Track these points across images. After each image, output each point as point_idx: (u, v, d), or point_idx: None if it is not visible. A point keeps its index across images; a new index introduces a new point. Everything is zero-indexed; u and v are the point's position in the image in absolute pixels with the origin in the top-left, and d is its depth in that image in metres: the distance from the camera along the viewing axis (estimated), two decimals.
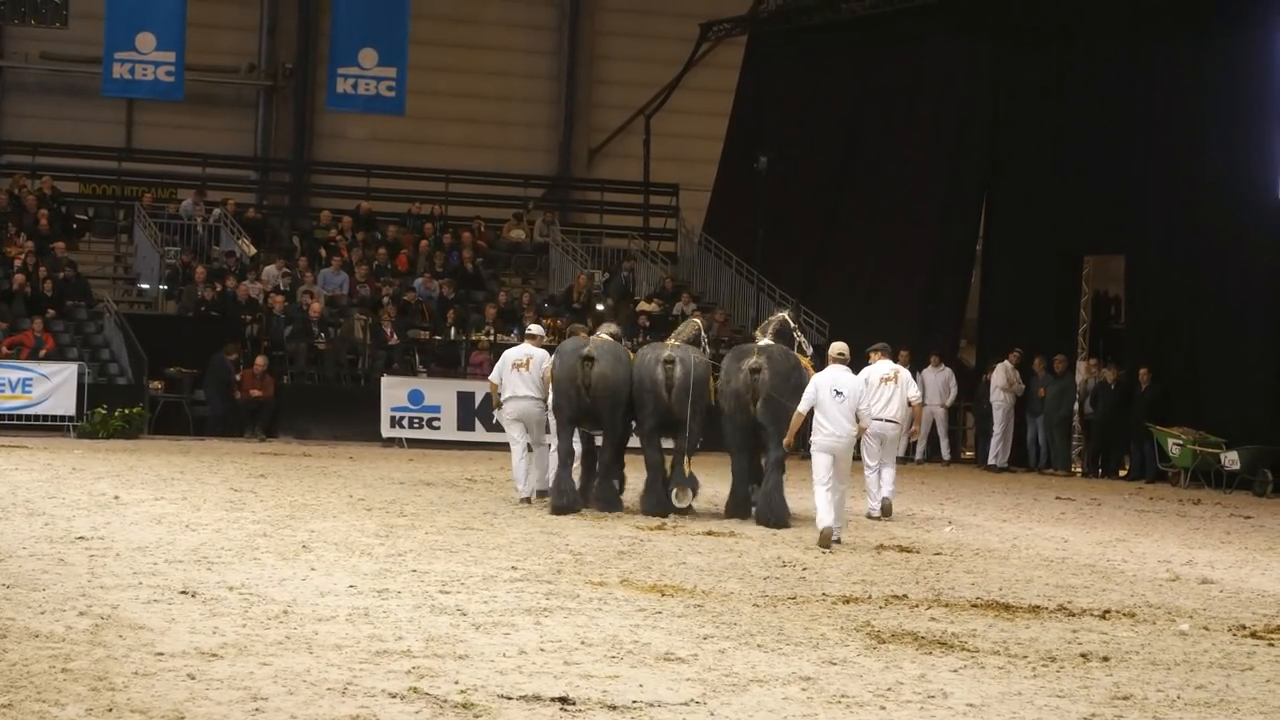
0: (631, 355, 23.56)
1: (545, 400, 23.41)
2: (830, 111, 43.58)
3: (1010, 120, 39.78)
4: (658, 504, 22.44)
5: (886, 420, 23.33)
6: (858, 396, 19.97)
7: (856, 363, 21.78)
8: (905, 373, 24.43)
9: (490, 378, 24.46)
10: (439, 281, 40.42)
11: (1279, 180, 32.26)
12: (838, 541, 19.47)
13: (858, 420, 19.88)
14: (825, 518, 19.40)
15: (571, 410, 23.00)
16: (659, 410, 22.64)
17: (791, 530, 20.81)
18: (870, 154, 42.71)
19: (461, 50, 48.13)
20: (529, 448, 23.84)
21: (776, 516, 21.48)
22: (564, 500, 22.39)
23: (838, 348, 20.48)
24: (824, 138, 43.59)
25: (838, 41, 43.70)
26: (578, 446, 23.47)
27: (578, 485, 23.26)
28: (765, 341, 22.77)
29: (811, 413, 20.05)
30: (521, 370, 23.67)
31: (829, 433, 19.69)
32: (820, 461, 19.62)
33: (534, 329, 25.56)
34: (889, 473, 23.61)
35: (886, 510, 23.37)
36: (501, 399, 23.84)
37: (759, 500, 21.98)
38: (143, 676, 10.12)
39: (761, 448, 22.43)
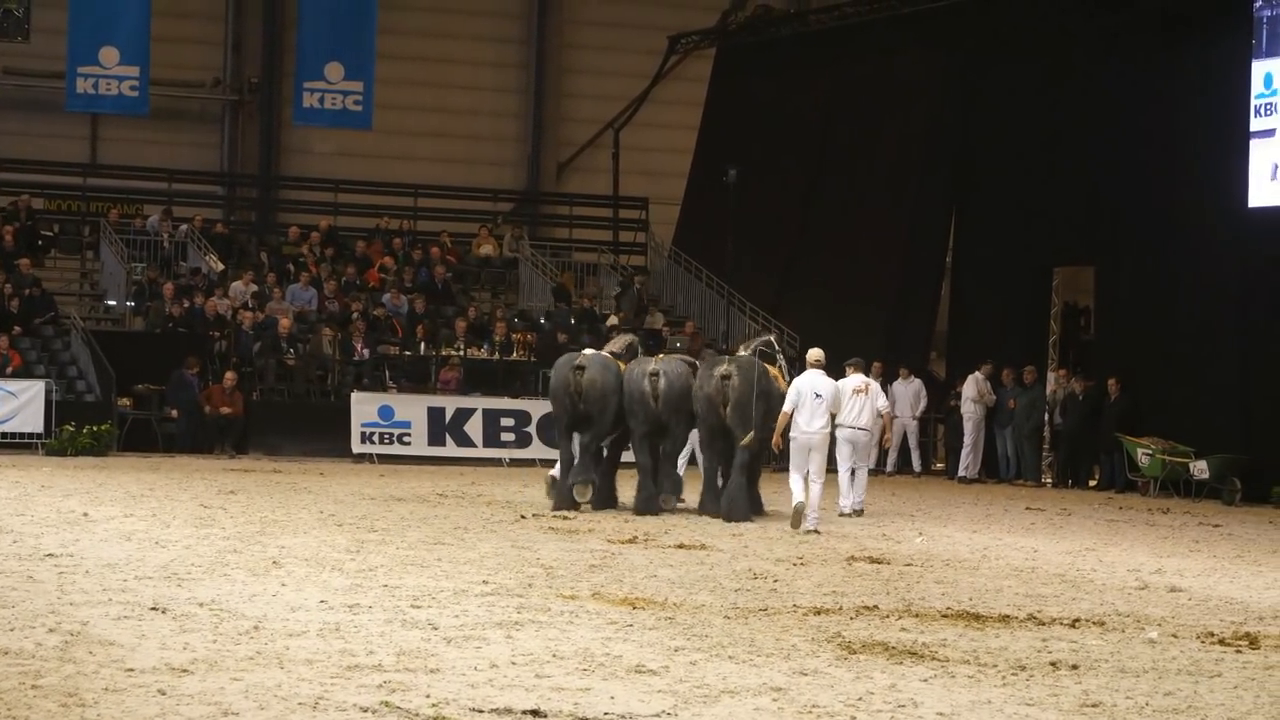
0: (623, 366, 25.28)
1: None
2: (799, 124, 43.64)
3: (980, 132, 39.90)
4: (646, 504, 24.39)
5: (858, 429, 25.36)
6: (833, 398, 22.81)
7: (833, 373, 24.27)
8: (875, 385, 26.32)
9: None
10: (408, 296, 40.39)
11: (1249, 191, 32.36)
12: (815, 531, 21.95)
13: (832, 418, 22.71)
14: (799, 496, 22.18)
15: (568, 417, 25.10)
16: (648, 418, 24.59)
17: (762, 543, 20.85)
18: (840, 166, 42.78)
19: (429, 64, 48.11)
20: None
21: (740, 513, 23.56)
22: (564, 502, 24.54)
23: (815, 354, 23.27)
24: (793, 150, 43.64)
25: (806, 53, 43.79)
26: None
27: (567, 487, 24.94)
28: (742, 353, 24.92)
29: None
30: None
31: (806, 430, 22.44)
32: (798, 454, 22.40)
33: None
34: (861, 475, 25.75)
35: (859, 511, 25.41)
36: None
37: (723, 498, 23.96)
38: (113, 693, 10.09)
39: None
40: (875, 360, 32.75)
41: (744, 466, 23.87)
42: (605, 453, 25.62)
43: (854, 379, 25.52)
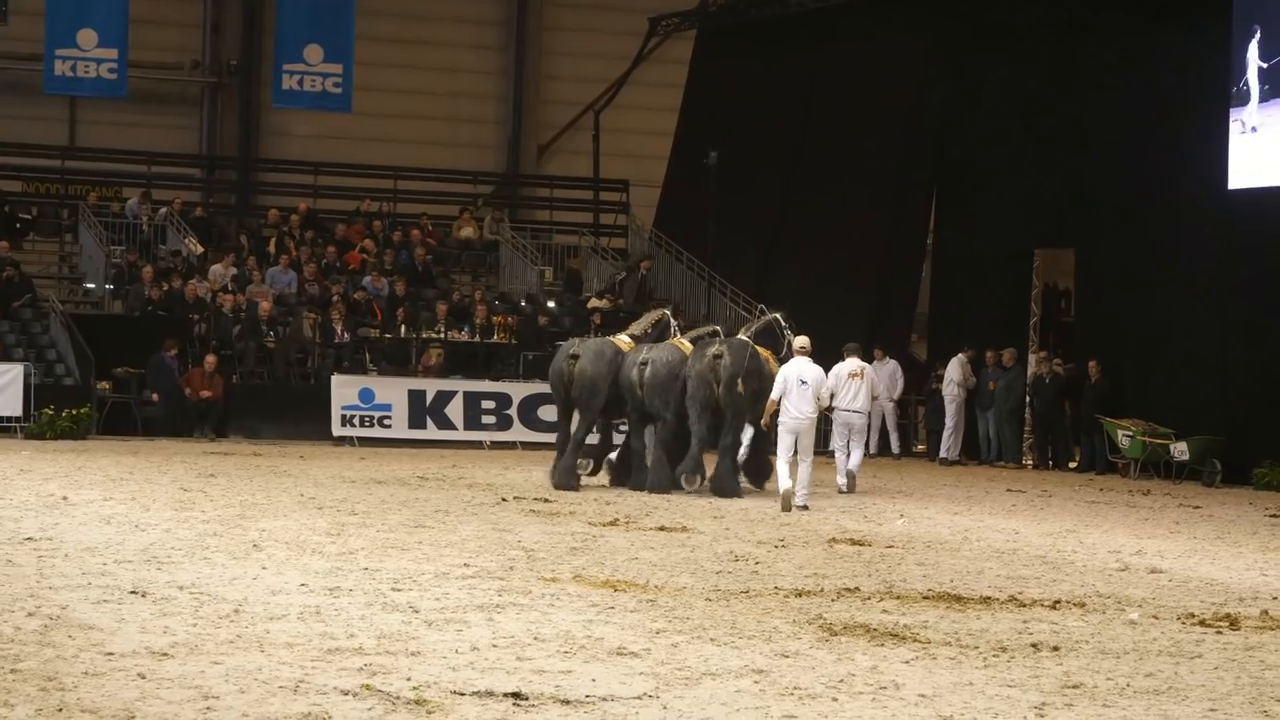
0: (626, 348, 26.45)
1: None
2: (781, 106, 43.56)
3: (960, 114, 39.88)
4: (653, 484, 25.35)
5: (854, 411, 26.80)
6: (819, 384, 23.57)
7: (832, 358, 26.08)
8: (869, 368, 27.78)
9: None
10: (389, 279, 40.33)
11: (1228, 173, 32.37)
12: (804, 508, 22.96)
13: (819, 403, 23.62)
14: (785, 482, 22.99)
15: (561, 403, 26.62)
16: (635, 405, 25.80)
17: (744, 526, 20.86)
18: (821, 149, 42.72)
19: (409, 46, 47.99)
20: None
21: (731, 491, 24.96)
22: (567, 480, 25.61)
23: (800, 342, 24.13)
24: (774, 133, 43.58)
25: (787, 36, 43.69)
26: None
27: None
28: (742, 335, 26.12)
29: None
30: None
31: (794, 414, 23.27)
32: (784, 439, 23.27)
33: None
34: (857, 453, 27.07)
35: (851, 484, 26.72)
36: None
37: (713, 478, 25.31)
38: (93, 676, 10.06)
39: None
40: (875, 347, 33.84)
41: (730, 448, 25.30)
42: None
43: (850, 363, 26.84)
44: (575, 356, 26.18)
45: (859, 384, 26.69)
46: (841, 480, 26.80)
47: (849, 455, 26.94)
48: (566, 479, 25.58)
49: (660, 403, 25.50)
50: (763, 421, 24.34)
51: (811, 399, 23.37)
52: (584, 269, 43.71)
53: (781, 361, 24.96)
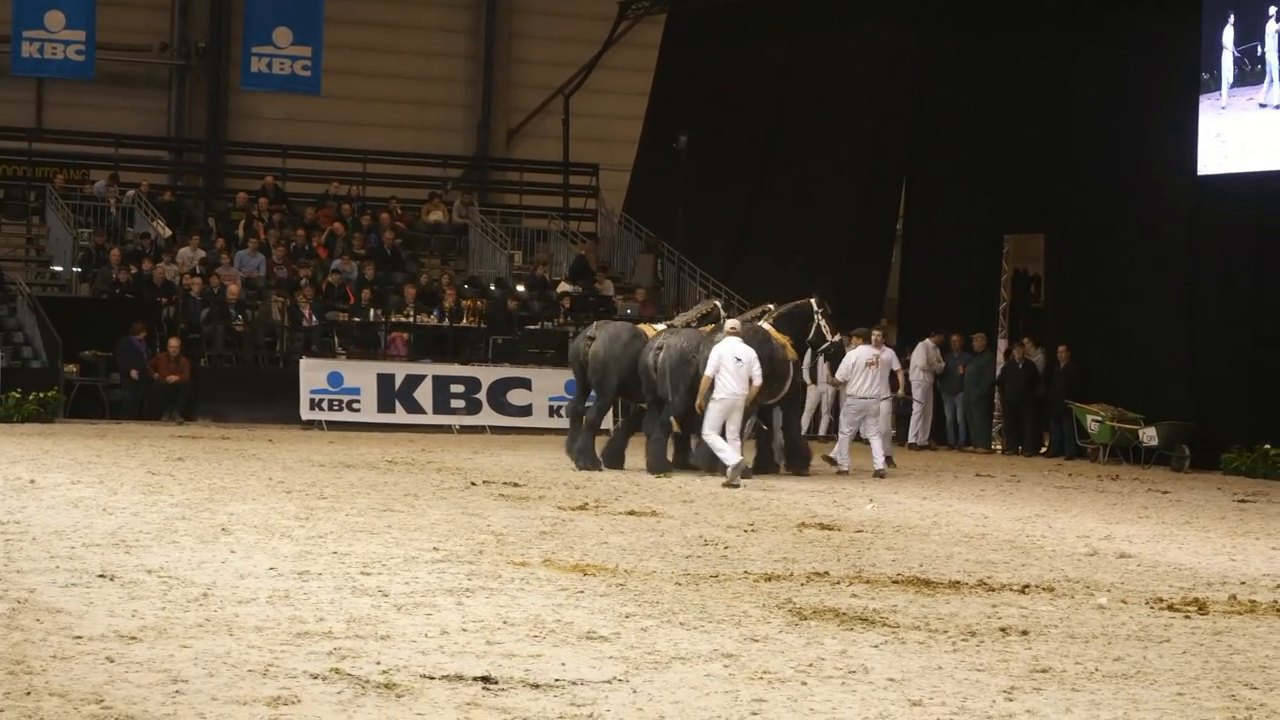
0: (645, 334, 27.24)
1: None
2: (751, 91, 43.54)
3: (931, 99, 39.90)
4: (652, 465, 25.96)
5: (871, 398, 27.44)
6: (751, 364, 24.68)
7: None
8: (887, 352, 28.49)
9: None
10: (357, 261, 40.25)
11: (1198, 159, 32.44)
12: (735, 486, 23.71)
13: (750, 383, 24.62)
14: (733, 457, 24.22)
15: (579, 382, 27.46)
16: (649, 389, 26.44)
17: (713, 510, 20.87)
18: (791, 133, 42.73)
19: (378, 29, 47.88)
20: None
21: (662, 467, 25.87)
22: (587, 461, 26.49)
23: (732, 323, 25.48)
24: (744, 117, 43.56)
25: (757, 20, 43.66)
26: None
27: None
28: (764, 323, 26.85)
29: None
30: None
31: (729, 392, 24.50)
32: (718, 415, 24.50)
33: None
34: (876, 442, 27.53)
35: (882, 473, 27.31)
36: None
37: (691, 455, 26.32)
38: (61, 660, 10.03)
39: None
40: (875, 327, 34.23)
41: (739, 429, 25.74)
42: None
43: (865, 351, 27.49)
44: (592, 338, 27.06)
45: (875, 372, 27.34)
46: (844, 463, 27.43)
47: (871, 442, 27.50)
48: (586, 459, 26.39)
49: (670, 386, 25.98)
50: (697, 403, 25.11)
51: (744, 378, 24.52)
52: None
53: (814, 345, 27.17)
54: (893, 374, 29.15)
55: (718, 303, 28.94)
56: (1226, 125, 31.95)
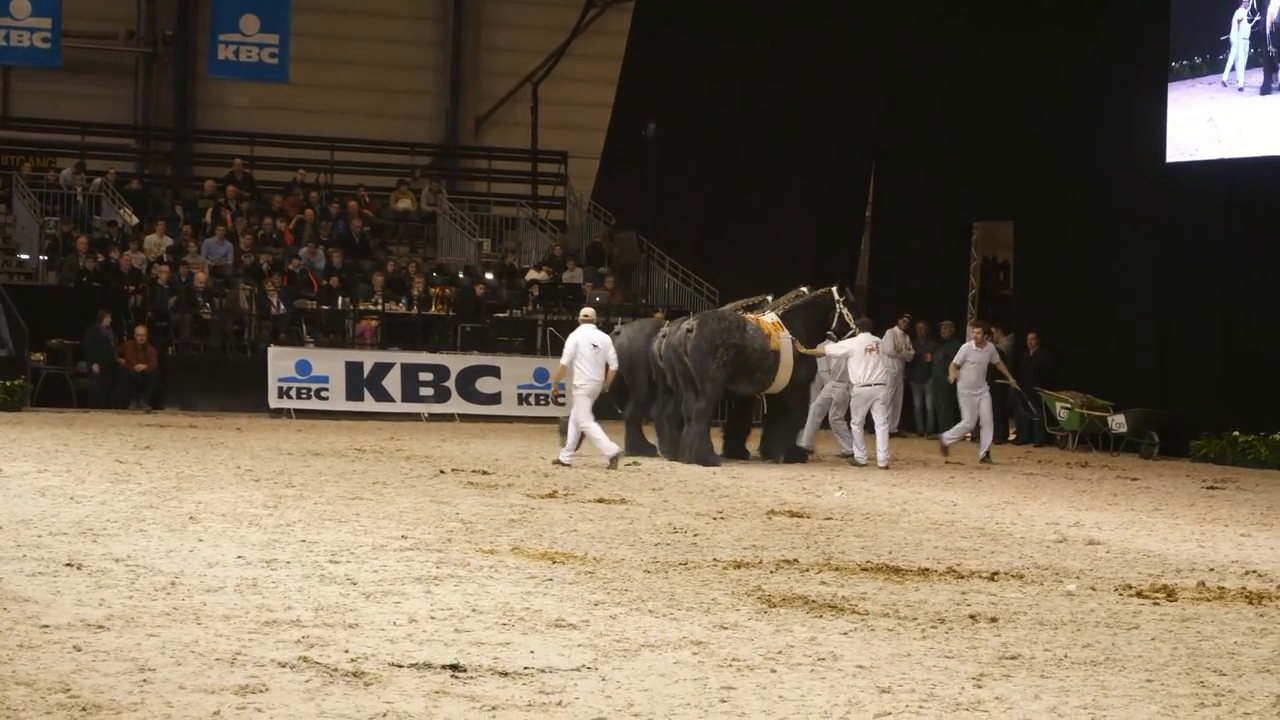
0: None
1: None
2: (719, 79, 43.55)
3: (899, 86, 39.91)
4: (668, 450, 26.85)
5: (875, 384, 27.17)
6: (607, 349, 25.12)
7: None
8: (885, 339, 28.70)
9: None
10: (324, 248, 40.15)
11: (1167, 146, 32.52)
12: (567, 464, 24.43)
13: (607, 369, 25.10)
14: (608, 446, 24.64)
15: (672, 376, 27.40)
16: (657, 376, 27.14)
17: (682, 498, 20.87)
18: (760, 121, 42.74)
19: (346, 17, 47.80)
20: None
21: (695, 457, 26.11)
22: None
23: (587, 311, 26.18)
24: (713, 105, 43.56)
25: (726, 8, 43.67)
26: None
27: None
28: (770, 313, 27.31)
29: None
30: None
31: (588, 378, 24.94)
32: (582, 403, 24.92)
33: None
34: (882, 431, 27.21)
35: (886, 466, 26.97)
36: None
37: (682, 445, 26.59)
38: (28, 649, 9.98)
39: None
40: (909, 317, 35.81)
41: (701, 414, 26.43)
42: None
43: (865, 338, 27.31)
44: (617, 333, 27.38)
45: (876, 358, 27.23)
46: (860, 454, 27.26)
47: (876, 431, 27.22)
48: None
49: (673, 377, 26.82)
50: (554, 389, 26.34)
51: (600, 364, 25.02)
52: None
53: (839, 335, 27.41)
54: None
55: (804, 289, 28.68)
56: (1196, 112, 32.03)
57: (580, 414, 25.01)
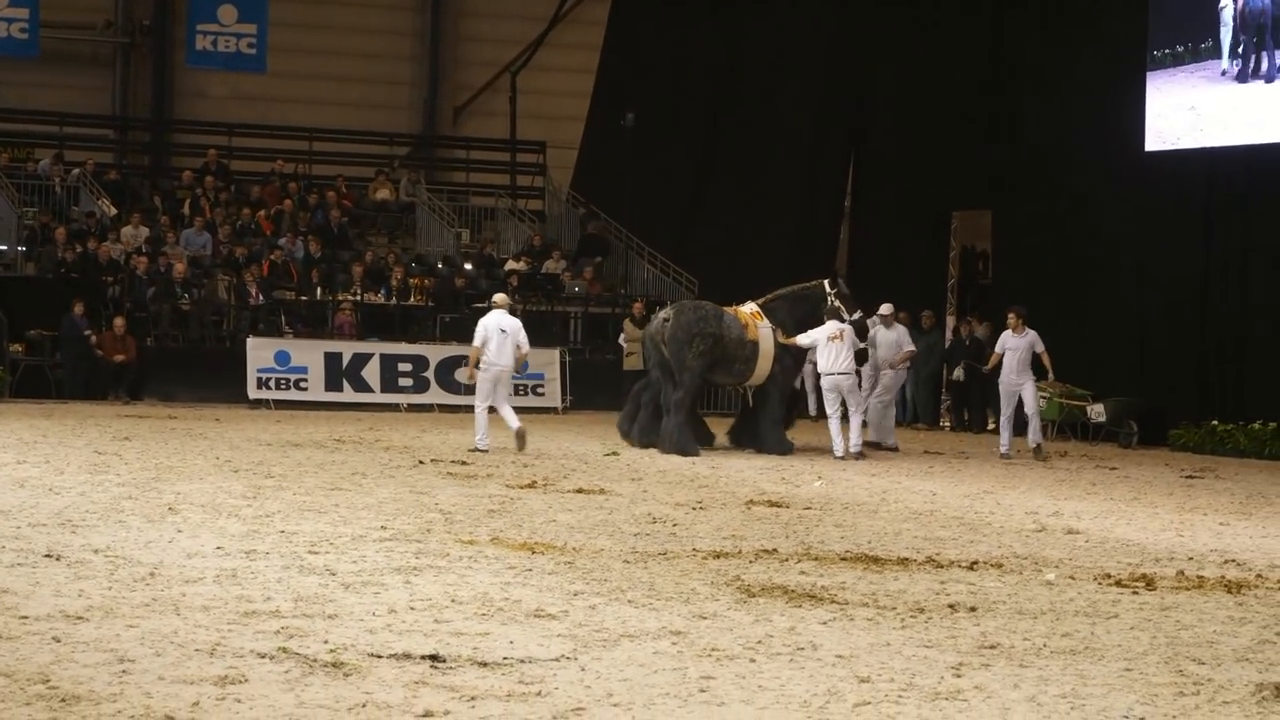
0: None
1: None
2: (698, 68, 43.54)
3: (877, 76, 39.93)
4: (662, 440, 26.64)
5: (840, 374, 26.78)
6: (517, 334, 25.40)
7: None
8: (849, 329, 27.19)
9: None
10: (302, 237, 40.08)
11: (1146, 135, 32.56)
12: (483, 451, 24.69)
13: (519, 350, 25.43)
14: (514, 422, 25.10)
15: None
16: (659, 363, 27.09)
17: (662, 488, 20.87)
18: (739, 111, 42.74)
19: (323, 6, 47.69)
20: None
21: (675, 447, 26.11)
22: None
23: (500, 298, 26.52)
24: (692, 94, 43.56)
25: None
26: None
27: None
28: (750, 304, 27.28)
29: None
30: None
31: (494, 362, 25.23)
32: (486, 385, 25.26)
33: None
34: (855, 420, 26.94)
35: (860, 455, 26.68)
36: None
37: (662, 435, 26.62)
38: (7, 640, 9.96)
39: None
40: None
41: (679, 404, 26.47)
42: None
43: (829, 326, 26.84)
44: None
45: (840, 345, 26.67)
46: (838, 447, 26.72)
47: (851, 422, 26.89)
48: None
49: (675, 361, 26.84)
50: (467, 373, 26.35)
51: (510, 349, 25.31)
52: (494, 234, 43.48)
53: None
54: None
55: (825, 281, 28.43)
56: (1178, 100, 32.08)
57: (479, 396, 25.42)
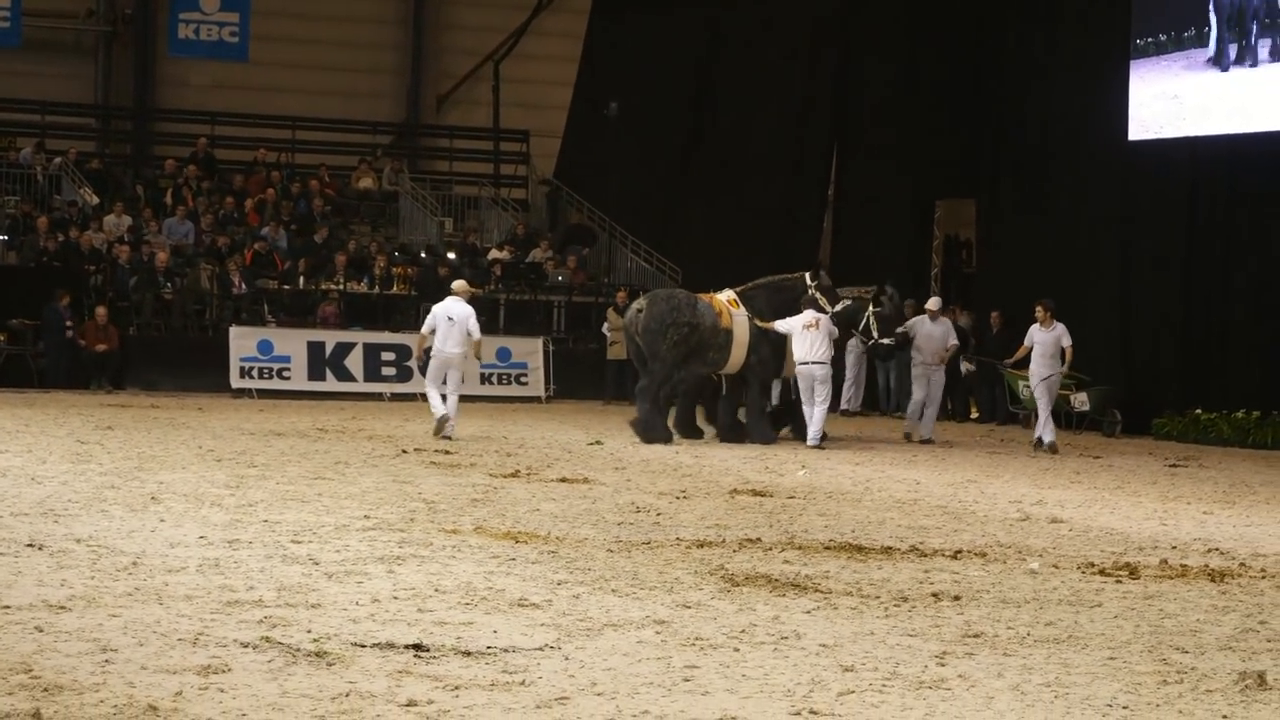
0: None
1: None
2: (681, 57, 43.51)
3: (860, 65, 39.93)
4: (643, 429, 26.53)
5: (815, 363, 26.46)
6: (465, 321, 25.55)
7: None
8: (825, 319, 26.87)
9: None
10: (285, 226, 40.01)
11: (1129, 123, 32.58)
12: (449, 438, 24.86)
13: (470, 337, 25.57)
14: (439, 408, 25.30)
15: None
16: (636, 354, 27.24)
17: (645, 477, 20.87)
18: (722, 100, 42.73)
19: None
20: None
21: (657, 436, 26.17)
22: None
23: (458, 285, 26.66)
24: (676, 84, 43.52)
25: None
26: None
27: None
28: (726, 291, 27.23)
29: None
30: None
31: (440, 349, 25.48)
32: (436, 370, 25.49)
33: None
34: (820, 410, 26.52)
35: (820, 445, 26.49)
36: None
37: (633, 420, 26.70)
38: None
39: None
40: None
41: (645, 391, 26.52)
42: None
43: (805, 315, 26.61)
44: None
45: (815, 334, 26.38)
46: (814, 434, 26.52)
47: (813, 412, 26.52)
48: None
49: (649, 350, 26.78)
50: (415, 355, 27.16)
51: (459, 335, 25.51)
52: (480, 223, 43.43)
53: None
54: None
55: (806, 274, 28.35)
56: (1161, 89, 32.10)
57: (428, 378, 25.82)
